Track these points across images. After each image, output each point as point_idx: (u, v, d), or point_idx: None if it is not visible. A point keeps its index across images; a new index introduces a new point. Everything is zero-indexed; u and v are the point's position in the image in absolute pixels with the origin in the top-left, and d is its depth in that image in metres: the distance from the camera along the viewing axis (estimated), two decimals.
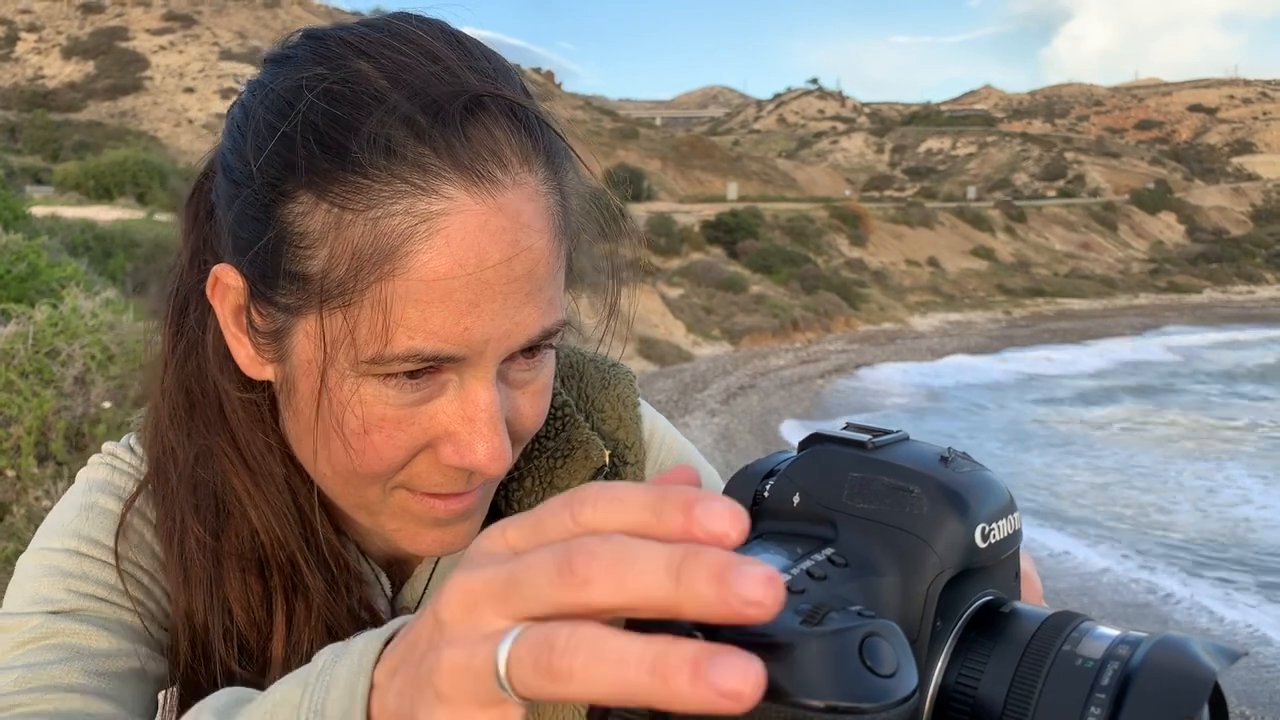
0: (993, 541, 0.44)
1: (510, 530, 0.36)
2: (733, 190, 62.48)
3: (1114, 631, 0.42)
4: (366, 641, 0.44)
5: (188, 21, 74.19)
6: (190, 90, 65.18)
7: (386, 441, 0.68)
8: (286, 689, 0.46)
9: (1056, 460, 19.52)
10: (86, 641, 0.72)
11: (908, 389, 29.52)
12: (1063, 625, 0.42)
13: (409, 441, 0.69)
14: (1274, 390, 29.25)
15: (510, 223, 0.65)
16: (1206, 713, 0.41)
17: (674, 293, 37.70)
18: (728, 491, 0.49)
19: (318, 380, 0.68)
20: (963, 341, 42.22)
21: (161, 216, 17.44)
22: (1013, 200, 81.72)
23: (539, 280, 0.67)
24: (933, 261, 56.59)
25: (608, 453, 0.83)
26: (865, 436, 0.47)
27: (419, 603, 0.83)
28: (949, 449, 0.47)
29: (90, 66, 70.00)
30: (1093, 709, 0.39)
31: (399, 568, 0.85)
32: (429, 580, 0.85)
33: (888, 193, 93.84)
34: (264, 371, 0.73)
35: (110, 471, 0.82)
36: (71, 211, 16.95)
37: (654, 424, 0.93)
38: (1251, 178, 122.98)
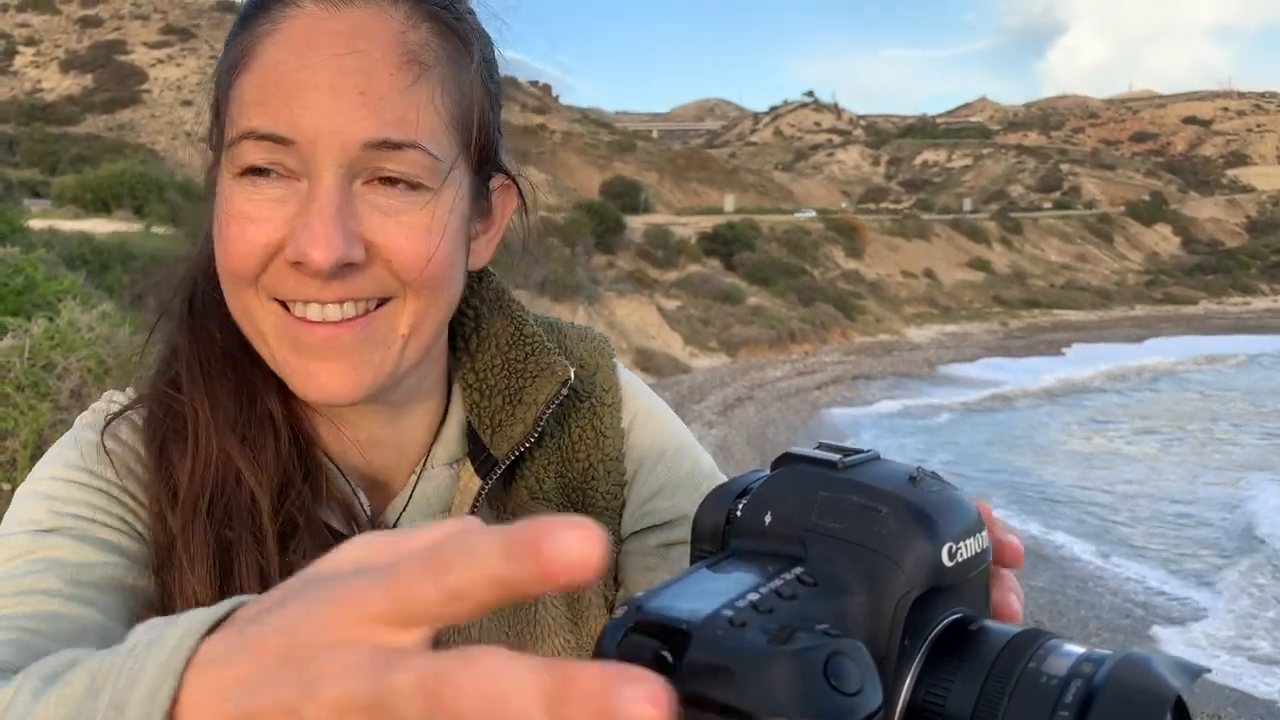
0: (960, 560, 0.45)
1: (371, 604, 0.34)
2: (729, 202, 62.64)
3: (1079, 649, 0.42)
4: (183, 635, 0.40)
5: (185, 35, 74.45)
6: (188, 103, 65.28)
7: (238, 235, 0.74)
8: (104, 665, 0.43)
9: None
10: (66, 555, 0.75)
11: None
12: (1029, 643, 0.43)
13: (259, 237, 0.74)
14: None
15: (348, 28, 0.73)
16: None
17: (671, 304, 37.75)
18: (701, 510, 0.49)
19: (213, 181, 0.78)
20: (959, 353, 42.28)
21: (159, 229, 17.47)
22: (1008, 212, 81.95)
23: (377, 89, 0.72)
24: (929, 273, 56.70)
25: (572, 369, 0.87)
26: (836, 456, 0.47)
27: (396, 523, 0.86)
28: (918, 468, 0.48)
29: (88, 80, 70.19)
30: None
31: (379, 491, 0.87)
32: (408, 500, 0.87)
33: (884, 205, 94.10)
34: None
35: (105, 408, 0.85)
36: (69, 224, 16.98)
37: (635, 386, 0.95)
38: (1246, 189, 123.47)
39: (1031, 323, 51.87)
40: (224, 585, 0.77)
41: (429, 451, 0.88)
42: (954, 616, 0.46)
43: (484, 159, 0.81)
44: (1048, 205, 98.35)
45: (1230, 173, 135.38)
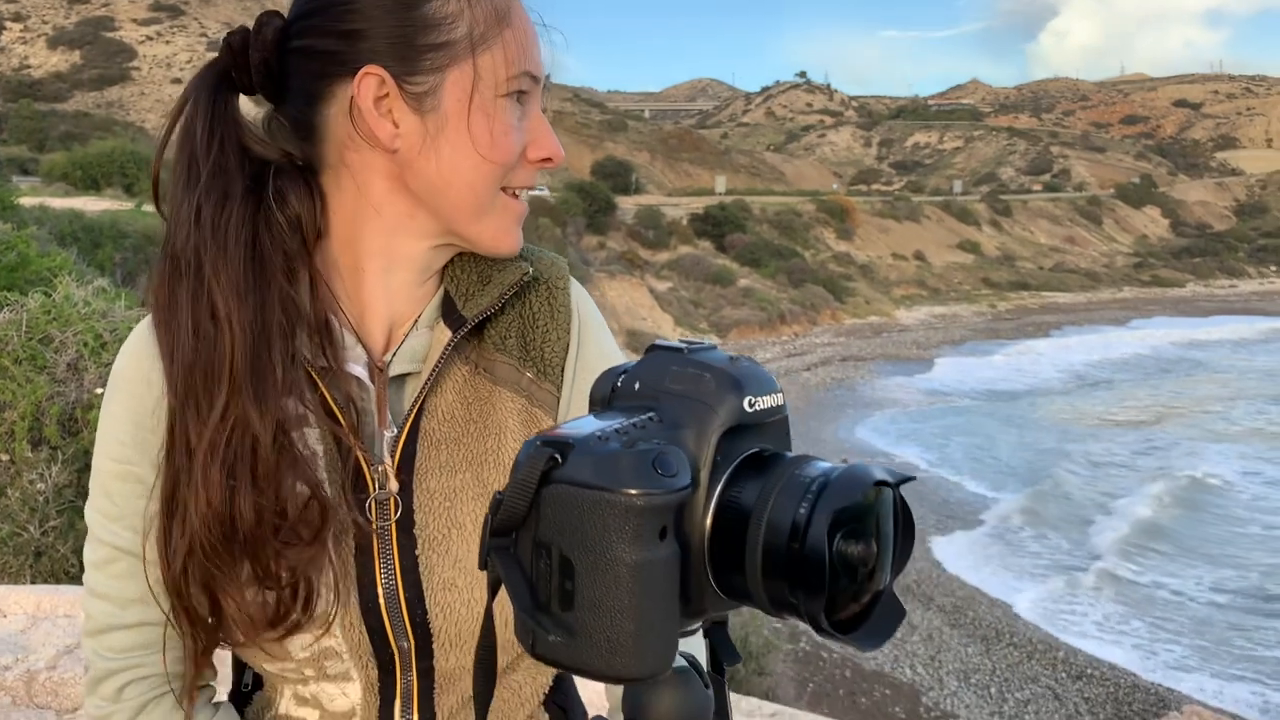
0: (757, 409, 0.65)
1: None
2: (721, 184, 62.59)
3: (828, 463, 0.62)
4: None
5: (174, 12, 73.93)
6: (178, 81, 64.83)
7: (508, 142, 0.99)
8: None
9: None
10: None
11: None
12: (798, 460, 0.63)
13: (518, 143, 1.00)
14: None
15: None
16: (890, 505, 0.62)
17: (662, 286, 37.82)
18: (596, 384, 0.70)
19: (466, 110, 0.98)
20: (948, 334, 42.49)
21: (150, 207, 17.46)
22: (998, 194, 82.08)
23: None
24: (919, 255, 56.84)
25: (531, 269, 1.09)
26: (684, 345, 0.68)
27: (389, 364, 1.05)
28: (737, 355, 0.68)
29: (76, 56, 69.69)
30: (804, 503, 0.59)
31: (374, 345, 1.06)
32: (397, 349, 1.05)
33: (875, 186, 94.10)
34: (395, 141, 0.98)
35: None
36: (59, 202, 16.96)
37: (582, 289, 1.17)
38: (1235, 172, 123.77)
39: (1020, 305, 52.12)
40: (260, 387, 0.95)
41: (418, 316, 1.07)
42: (756, 450, 0.65)
43: None
44: (1037, 188, 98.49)
45: (1219, 156, 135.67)
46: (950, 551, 17.36)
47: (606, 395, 0.69)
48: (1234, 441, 26.24)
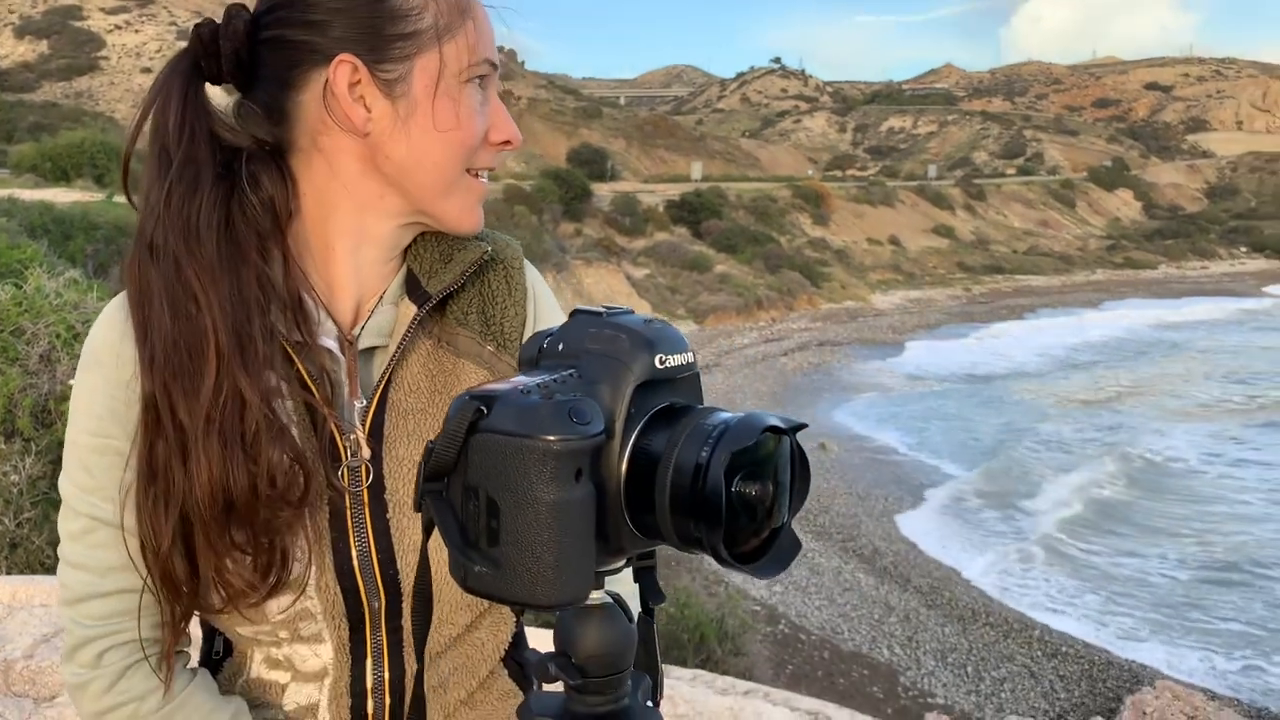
0: (668, 366, 0.72)
1: None
2: (697, 170, 62.56)
3: (731, 413, 0.69)
4: None
5: (143, 1, 73.04)
6: (148, 70, 64.04)
7: (473, 125, 1.06)
8: None
9: None
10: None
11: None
12: (705, 411, 0.71)
13: (481, 126, 1.06)
14: None
15: None
16: (788, 451, 0.70)
17: (639, 272, 37.83)
18: (524, 346, 0.77)
19: (432, 94, 1.03)
20: (923, 319, 42.73)
21: (120, 198, 17.32)
22: (972, 178, 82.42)
23: None
24: (894, 240, 57.06)
25: (490, 249, 1.15)
26: (603, 309, 0.75)
27: (358, 338, 1.09)
28: (652, 317, 0.75)
29: (44, 46, 68.70)
30: (705, 447, 0.66)
31: (343, 319, 1.11)
32: (364, 324, 1.10)
33: (850, 172, 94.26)
34: (367, 124, 1.03)
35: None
36: (29, 194, 16.79)
37: (535, 270, 1.25)
38: (1206, 155, 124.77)
39: (994, 288, 52.46)
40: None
41: (383, 292, 1.12)
42: (668, 403, 0.72)
43: None
44: (1011, 171, 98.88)
45: (1190, 138, 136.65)
46: (928, 533, 17.53)
47: (534, 356, 0.75)
48: (1209, 421, 26.64)
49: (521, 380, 0.70)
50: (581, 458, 0.66)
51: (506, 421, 0.66)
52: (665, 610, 9.14)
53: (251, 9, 1.06)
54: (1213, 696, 9.97)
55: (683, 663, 7.65)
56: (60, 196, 17.34)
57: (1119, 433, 24.84)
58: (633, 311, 0.75)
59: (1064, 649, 13.26)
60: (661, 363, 0.71)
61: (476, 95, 1.07)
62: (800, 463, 0.71)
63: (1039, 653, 13.16)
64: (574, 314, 0.76)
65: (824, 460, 20.62)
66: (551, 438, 0.65)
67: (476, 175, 1.10)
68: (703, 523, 0.66)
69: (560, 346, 0.73)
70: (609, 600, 0.74)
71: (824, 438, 22.11)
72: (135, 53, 67.40)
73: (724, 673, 4.98)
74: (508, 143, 1.10)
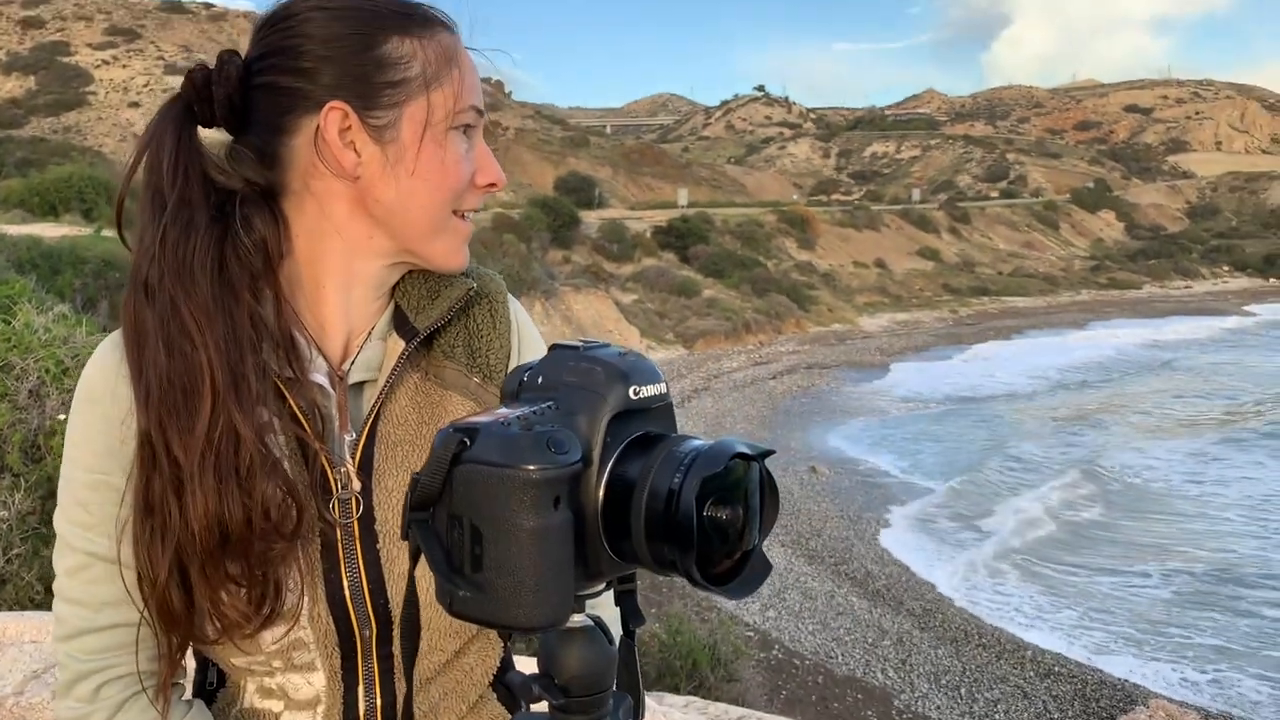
0: (642, 396, 0.75)
1: None
2: (683, 196, 62.82)
3: (702, 441, 0.72)
4: None
5: (131, 35, 73.15)
6: (135, 105, 64.17)
7: (459, 170, 1.08)
8: None
9: None
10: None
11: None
12: (677, 439, 0.73)
13: (468, 170, 1.09)
14: None
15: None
16: (757, 477, 0.72)
17: (627, 298, 37.86)
18: (506, 380, 0.80)
19: (420, 140, 1.06)
20: (911, 341, 42.87)
21: (109, 233, 17.31)
22: (956, 201, 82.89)
23: None
24: (879, 263, 57.29)
25: (475, 284, 1.18)
26: (580, 343, 0.78)
27: (348, 373, 1.12)
28: (627, 350, 0.78)
29: (31, 82, 68.72)
30: (677, 473, 0.68)
31: (333, 355, 1.14)
32: (354, 359, 1.13)
33: (834, 196, 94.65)
34: (358, 169, 1.06)
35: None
36: (16, 229, 16.76)
37: (518, 304, 1.28)
38: (1186, 175, 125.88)
39: (981, 310, 52.65)
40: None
41: (372, 328, 1.14)
42: (643, 432, 0.75)
43: None
44: (995, 194, 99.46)
45: (1171, 159, 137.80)
46: (920, 557, 17.53)
47: (515, 389, 0.78)
48: (1193, 438, 26.74)
49: (503, 412, 0.73)
50: (560, 486, 0.69)
51: (489, 452, 0.69)
52: (658, 637, 9.11)
53: (243, 55, 1.09)
54: (1206, 716, 9.99)
55: (676, 690, 7.62)
56: (48, 231, 17.32)
57: (1108, 453, 24.92)
58: (609, 345, 0.78)
59: (1057, 669, 13.25)
60: (635, 394, 0.74)
61: (463, 141, 1.09)
62: (769, 488, 0.74)
63: (1032, 673, 13.14)
64: (552, 348, 0.79)
65: (815, 484, 20.61)
66: (531, 467, 0.67)
67: (463, 216, 1.12)
68: (676, 546, 0.68)
69: (539, 380, 0.76)
70: (590, 623, 0.77)
71: (814, 461, 22.10)
72: (123, 88, 67.49)
73: (717, 699, 4.99)
74: (493, 185, 1.13)
